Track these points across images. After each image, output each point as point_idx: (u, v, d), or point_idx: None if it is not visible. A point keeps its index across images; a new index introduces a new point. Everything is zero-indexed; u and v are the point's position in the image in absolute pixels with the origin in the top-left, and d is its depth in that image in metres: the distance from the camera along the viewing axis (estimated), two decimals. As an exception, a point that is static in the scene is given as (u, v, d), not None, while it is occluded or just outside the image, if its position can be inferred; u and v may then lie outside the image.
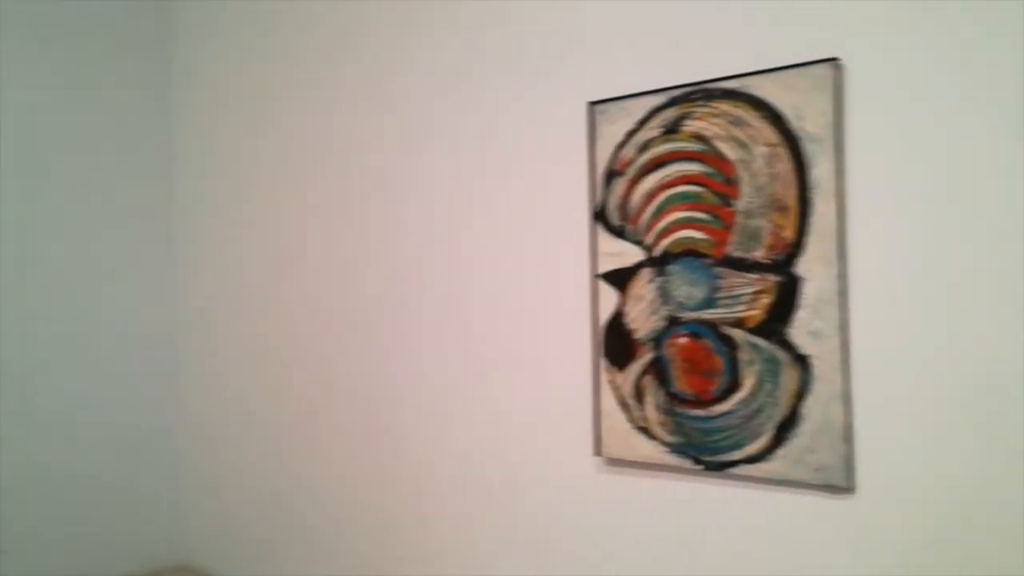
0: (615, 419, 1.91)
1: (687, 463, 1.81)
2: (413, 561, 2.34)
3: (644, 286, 1.87)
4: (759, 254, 1.70)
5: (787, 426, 1.67)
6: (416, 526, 2.34)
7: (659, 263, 1.84)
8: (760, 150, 1.69)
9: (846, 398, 1.60)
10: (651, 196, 1.85)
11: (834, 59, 1.60)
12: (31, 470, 2.71)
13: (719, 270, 1.75)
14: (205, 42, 3.05)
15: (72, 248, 2.87)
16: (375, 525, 2.44)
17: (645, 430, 1.87)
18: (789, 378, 1.66)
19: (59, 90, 2.84)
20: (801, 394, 1.65)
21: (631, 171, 1.88)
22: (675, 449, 1.82)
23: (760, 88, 1.69)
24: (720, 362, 1.76)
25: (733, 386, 1.74)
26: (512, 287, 2.13)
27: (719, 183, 1.75)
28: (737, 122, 1.72)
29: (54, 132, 2.82)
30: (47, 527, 2.73)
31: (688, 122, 1.79)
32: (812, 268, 1.63)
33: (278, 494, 2.74)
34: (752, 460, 1.71)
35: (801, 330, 1.65)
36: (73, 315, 2.84)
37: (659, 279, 1.84)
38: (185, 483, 3.09)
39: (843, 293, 1.60)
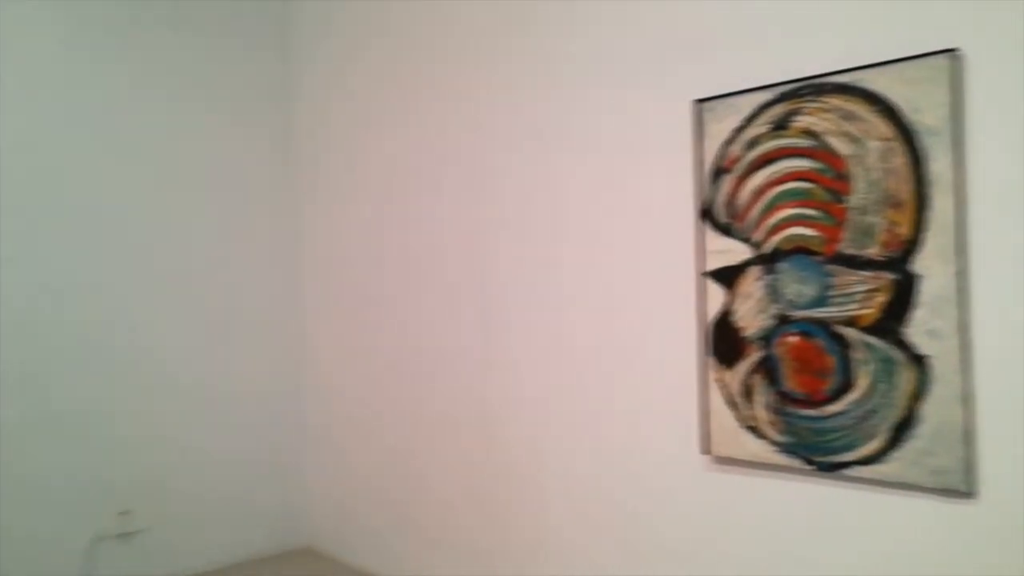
0: (723, 417, 1.91)
1: (798, 463, 1.79)
2: (525, 553, 2.41)
3: (752, 284, 1.86)
4: (873, 251, 1.66)
5: (903, 428, 1.62)
6: (528, 521, 2.41)
7: (768, 260, 1.82)
8: (874, 145, 1.65)
9: (967, 400, 1.54)
10: (759, 193, 1.84)
11: (952, 50, 1.54)
12: (174, 455, 2.96)
13: (831, 268, 1.72)
14: (323, 42, 3.21)
15: (205, 242, 3.08)
16: (488, 517, 2.53)
17: (754, 429, 1.86)
18: (905, 379, 1.62)
19: (185, 90, 3.03)
20: (918, 395, 1.60)
21: (738, 168, 1.87)
22: (785, 448, 1.81)
23: (874, 82, 1.65)
24: (832, 361, 1.73)
25: (845, 386, 1.71)
26: (616, 286, 2.16)
27: (830, 179, 1.72)
28: (849, 117, 1.69)
29: (182, 129, 3.02)
30: (185, 508, 2.98)
31: (798, 118, 1.77)
32: (929, 265, 1.58)
33: (397, 484, 2.87)
34: (866, 462, 1.68)
35: (918, 329, 1.60)
36: (209, 311, 3.07)
37: (768, 277, 1.82)
38: (310, 472, 3.29)
39: (963, 291, 1.54)
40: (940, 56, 1.55)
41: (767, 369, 1.83)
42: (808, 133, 1.75)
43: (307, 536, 3.27)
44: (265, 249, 3.24)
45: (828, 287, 1.73)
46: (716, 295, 1.92)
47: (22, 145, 2.64)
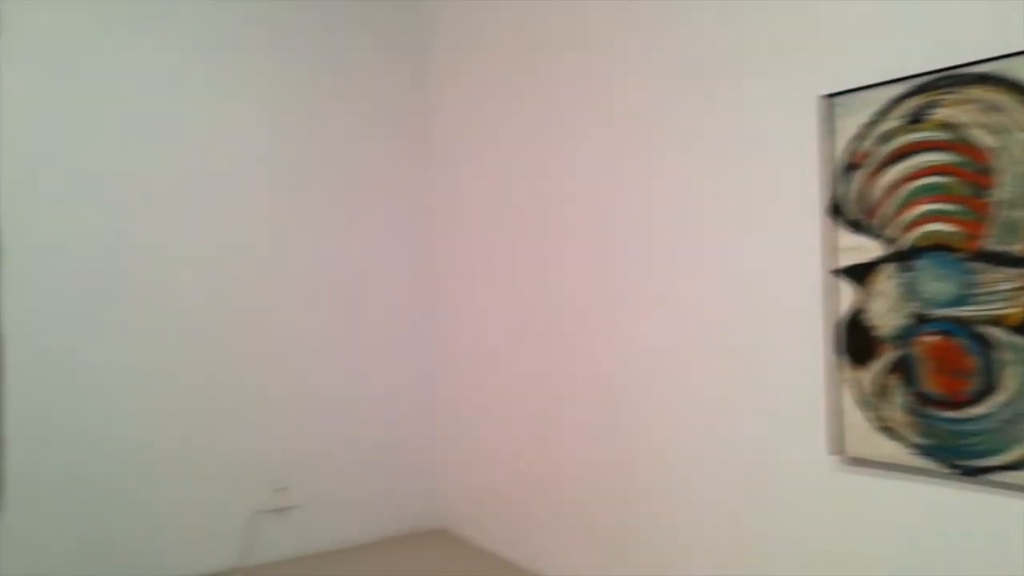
0: (855, 418, 1.87)
1: (938, 466, 1.73)
2: (653, 547, 2.45)
3: (886, 281, 1.80)
4: (1020, 247, 1.58)
5: (1054, 434, 1.54)
6: (655, 517, 2.44)
7: (903, 258, 1.77)
8: (1020, 137, 1.57)
9: None
10: (893, 189, 1.78)
11: (1111, 33, 1.45)
12: (324, 439, 3.20)
13: (973, 265, 1.65)
14: (459, 41, 3.33)
15: (343, 239, 3.27)
16: (619, 510, 2.59)
17: (889, 430, 1.81)
18: (1056, 382, 1.54)
19: (323, 91, 3.22)
20: (1071, 400, 1.52)
21: (870, 164, 1.82)
22: (924, 451, 1.75)
23: (1020, 71, 1.56)
24: (974, 362, 1.66)
25: (989, 388, 1.64)
26: (740, 285, 2.15)
27: (971, 173, 1.64)
28: (993, 108, 1.61)
29: (319, 130, 3.20)
30: (333, 488, 3.21)
31: (935, 111, 1.70)
32: (1084, 263, 1.49)
33: (528, 472, 2.97)
34: (1014, 467, 1.61)
35: (1071, 331, 1.51)
36: (342, 306, 3.26)
37: (904, 274, 1.77)
38: (447, 457, 3.46)
39: (1124, 291, 1.45)
40: (1096, 40, 1.46)
41: (903, 369, 1.78)
42: (946, 126, 1.68)
43: (443, 518, 3.44)
44: (399, 244, 3.41)
45: (970, 285, 1.66)
46: (847, 293, 1.88)
47: (180, 150, 2.92)
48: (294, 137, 3.14)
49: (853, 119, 1.85)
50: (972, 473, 1.67)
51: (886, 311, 1.81)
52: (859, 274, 1.85)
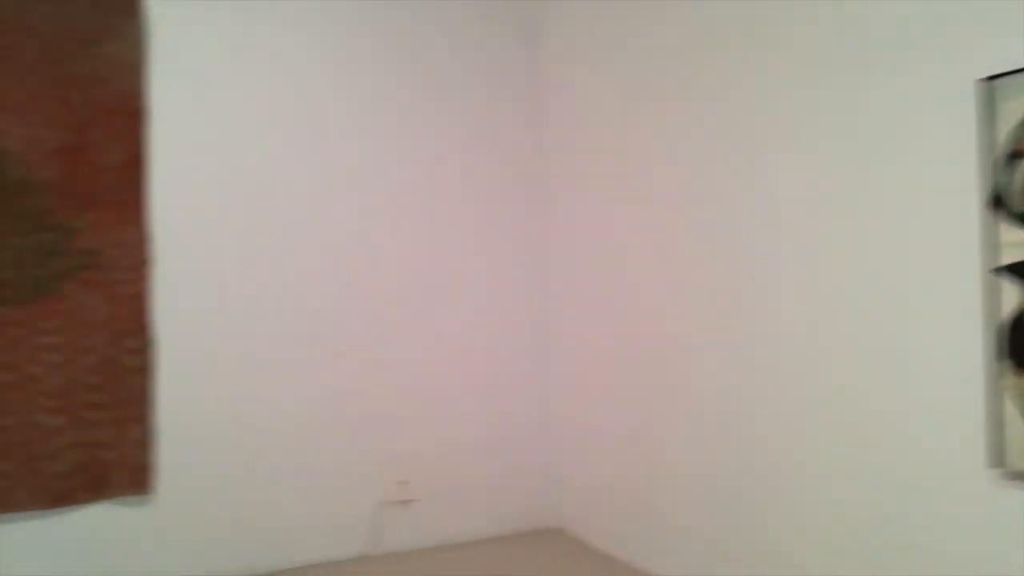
0: (1018, 429, 1.72)
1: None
2: (777, 563, 2.35)
3: (1057, 281, 1.64)
4: None
5: None
6: (780, 530, 2.34)
7: (1077, 254, 1.61)
8: None
9: None
10: (1066, 178, 1.62)
11: None
12: (444, 435, 3.25)
13: None
14: (575, 42, 3.30)
15: (460, 238, 3.32)
16: (735, 519, 2.50)
17: (1058, 443, 1.65)
18: None
19: (439, 91, 3.26)
20: None
21: (1039, 151, 1.66)
22: (1100, 467, 1.59)
23: None
24: None
25: None
26: (884, 284, 2.01)
27: None
28: None
29: (434, 133, 3.26)
30: (452, 483, 3.26)
31: (1119, 91, 1.53)
32: None
33: (642, 474, 2.92)
34: None
35: None
36: (462, 305, 3.30)
37: (1077, 273, 1.61)
38: (562, 456, 3.44)
39: None
40: None
41: (1077, 377, 1.62)
42: None
43: (559, 518, 3.43)
44: (515, 244, 3.43)
45: None
46: (1011, 293, 1.72)
47: (316, 152, 3.03)
48: (403, 137, 3.21)
49: (1018, 102, 1.69)
50: None
51: (1056, 313, 1.65)
52: (1024, 272, 1.70)
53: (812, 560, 2.24)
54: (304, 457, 2.99)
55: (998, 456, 1.75)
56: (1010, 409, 1.73)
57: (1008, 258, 1.72)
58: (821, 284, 2.19)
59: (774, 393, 2.35)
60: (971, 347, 1.81)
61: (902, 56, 1.95)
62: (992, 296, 1.76)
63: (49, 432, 2.57)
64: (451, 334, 3.28)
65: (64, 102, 2.58)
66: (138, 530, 2.72)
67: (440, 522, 3.21)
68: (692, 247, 2.67)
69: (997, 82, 1.72)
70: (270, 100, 2.95)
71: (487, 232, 3.37)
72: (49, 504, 2.59)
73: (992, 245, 1.75)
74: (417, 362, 3.21)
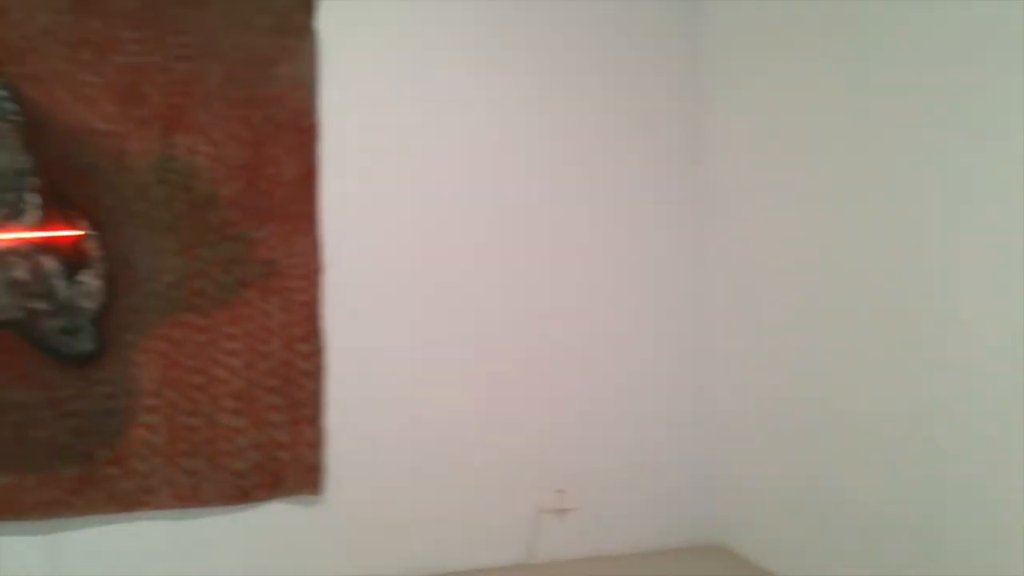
0: None
1: None
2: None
3: None
4: None
5: None
6: (986, 562, 2.14)
7: None
8: None
9: None
10: None
11: None
12: (600, 445, 3.20)
13: None
14: (735, 41, 3.23)
15: (613, 239, 3.28)
16: (916, 536, 2.32)
17: None
18: None
19: (591, 91, 3.25)
20: None
21: None
22: None
23: None
24: None
25: None
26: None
27: None
28: None
29: (593, 129, 3.25)
30: (609, 494, 3.20)
31: None
32: None
33: (812, 490, 2.76)
34: None
35: None
36: (619, 310, 3.26)
37: None
38: (723, 469, 3.31)
39: None
40: None
41: None
42: None
43: (721, 533, 3.29)
44: (671, 247, 3.36)
45: None
46: None
47: (473, 155, 3.10)
48: (557, 136, 3.22)
49: None
50: None
51: None
52: None
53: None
54: (465, 462, 3.03)
55: None
56: None
57: None
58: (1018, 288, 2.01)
59: (970, 404, 2.17)
60: None
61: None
62: None
63: (232, 432, 2.73)
64: (611, 340, 3.25)
65: (245, 121, 2.76)
66: (308, 529, 2.84)
67: (596, 533, 3.17)
68: (869, 245, 2.53)
69: None
70: (428, 112, 3.03)
71: (644, 231, 3.32)
72: (232, 500, 2.74)
73: None
74: (577, 368, 3.20)
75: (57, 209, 2.57)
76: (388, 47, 2.99)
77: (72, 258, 2.58)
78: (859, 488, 2.55)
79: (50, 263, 2.56)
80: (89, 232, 2.59)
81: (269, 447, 2.77)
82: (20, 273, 2.53)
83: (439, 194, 3.04)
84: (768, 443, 3.03)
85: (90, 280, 2.59)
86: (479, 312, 3.08)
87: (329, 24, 2.86)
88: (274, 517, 2.79)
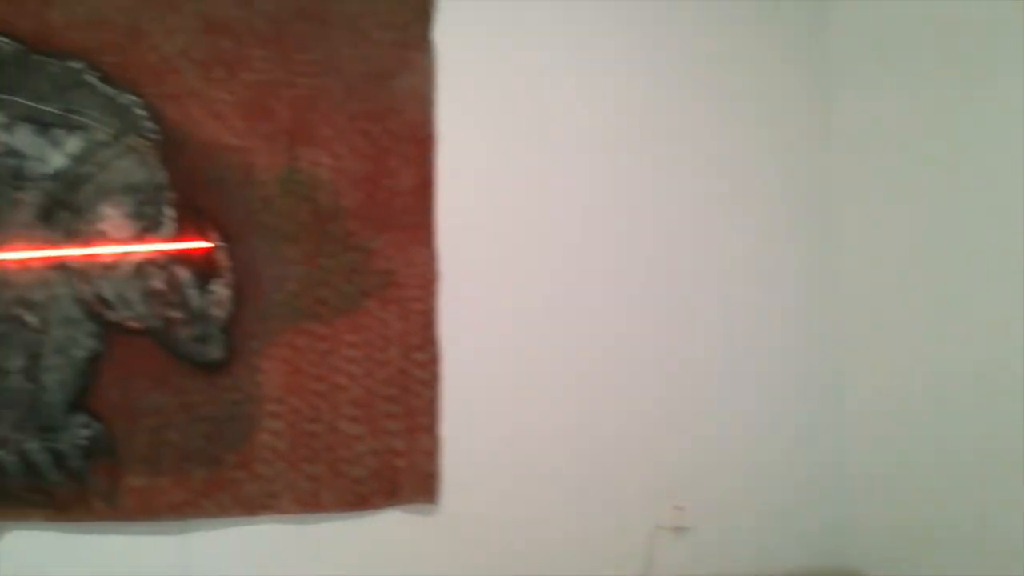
0: None
1: None
2: None
3: None
4: None
5: None
6: None
7: None
8: None
9: None
10: None
11: None
12: (721, 460, 3.11)
13: None
14: (862, 42, 3.12)
15: (734, 249, 3.20)
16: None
17: None
18: None
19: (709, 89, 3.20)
20: None
21: None
22: None
23: None
24: None
25: None
26: None
27: None
28: None
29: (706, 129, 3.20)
30: (729, 512, 3.09)
31: None
32: None
33: (960, 520, 2.57)
34: None
35: None
36: (727, 313, 3.17)
37: None
38: (855, 485, 3.13)
39: None
40: None
41: None
42: None
43: (854, 558, 3.12)
44: (797, 250, 3.25)
45: None
46: None
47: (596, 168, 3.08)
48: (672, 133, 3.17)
49: None
50: None
51: None
52: None
53: None
54: (580, 475, 2.98)
55: None
56: None
57: None
58: None
59: None
60: None
61: None
62: None
63: (351, 439, 2.77)
64: (733, 350, 3.16)
65: (365, 134, 2.82)
66: (423, 538, 2.84)
67: (717, 553, 3.06)
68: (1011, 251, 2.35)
69: None
70: (545, 121, 3.04)
71: (767, 239, 3.23)
72: (350, 507, 2.78)
73: None
74: (698, 379, 3.12)
75: (190, 222, 2.68)
76: (504, 56, 3.00)
77: (203, 269, 2.69)
78: (1008, 526, 2.36)
79: (184, 273, 2.67)
80: (219, 243, 2.69)
81: (386, 455, 2.80)
82: (157, 283, 2.64)
83: (554, 201, 3.02)
84: (909, 463, 2.86)
85: (220, 289, 2.69)
86: (595, 322, 3.03)
87: (446, 36, 2.89)
88: (390, 525, 2.81)
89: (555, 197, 3.03)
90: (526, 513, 2.92)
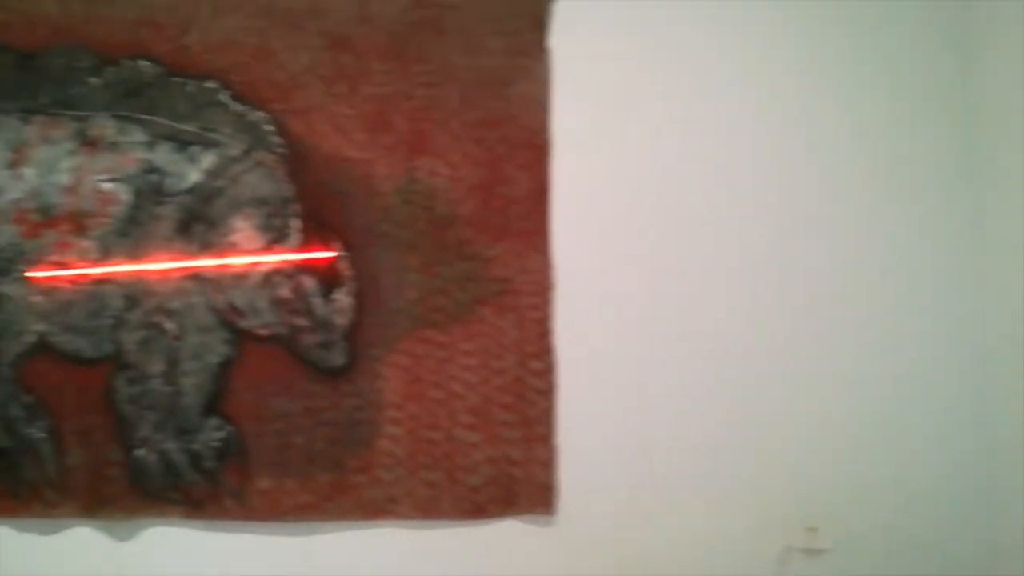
0: None
1: None
2: None
3: None
4: None
5: None
6: None
7: None
8: None
9: None
10: None
11: None
12: (859, 482, 2.91)
13: None
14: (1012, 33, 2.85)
15: (878, 259, 3.00)
16: None
17: None
18: None
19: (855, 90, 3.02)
20: None
21: None
22: None
23: None
24: None
25: None
26: None
27: None
28: None
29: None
30: (868, 536, 2.88)
31: None
32: None
33: None
34: None
35: None
36: (869, 321, 2.97)
37: None
38: (1010, 503, 2.85)
39: None
40: None
41: None
42: None
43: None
44: (943, 250, 3.03)
45: None
46: None
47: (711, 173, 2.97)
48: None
49: None
50: None
51: None
52: None
53: None
54: (704, 490, 2.87)
55: None
56: None
57: None
58: None
59: None
60: None
61: None
62: None
63: (468, 447, 2.77)
64: (873, 362, 2.97)
65: (480, 141, 2.83)
66: (540, 548, 2.80)
67: (854, 577, 2.86)
68: None
69: None
70: (661, 127, 2.96)
71: (907, 238, 3.03)
72: (467, 515, 2.77)
73: None
74: (831, 390, 2.94)
75: (315, 232, 2.78)
76: (621, 61, 2.94)
77: (327, 277, 2.77)
78: None
79: (309, 282, 2.76)
80: (342, 253, 2.77)
81: (503, 463, 2.78)
82: (284, 292, 2.74)
83: (672, 208, 2.94)
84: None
85: (343, 298, 2.76)
86: (719, 331, 2.92)
87: (562, 42, 2.86)
88: (507, 534, 2.78)
89: (673, 202, 2.93)
90: (645, 528, 2.83)
